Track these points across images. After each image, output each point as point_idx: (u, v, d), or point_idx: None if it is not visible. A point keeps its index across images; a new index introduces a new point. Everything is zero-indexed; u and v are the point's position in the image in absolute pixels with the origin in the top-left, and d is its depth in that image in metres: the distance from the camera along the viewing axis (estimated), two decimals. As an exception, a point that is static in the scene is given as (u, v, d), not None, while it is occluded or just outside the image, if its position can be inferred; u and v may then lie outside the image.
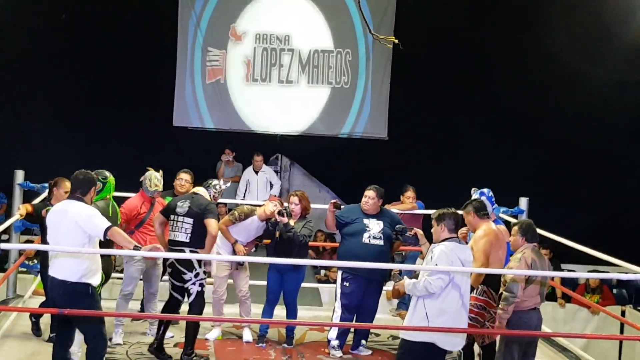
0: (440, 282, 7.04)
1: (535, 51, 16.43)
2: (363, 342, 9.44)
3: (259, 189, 15.48)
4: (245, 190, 15.38)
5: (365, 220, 9.27)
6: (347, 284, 9.25)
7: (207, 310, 9.98)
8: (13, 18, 15.82)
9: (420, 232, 8.05)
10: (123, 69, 16.24)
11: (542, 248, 13.40)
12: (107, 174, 8.66)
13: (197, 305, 8.82)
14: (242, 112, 16.94)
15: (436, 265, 7.12)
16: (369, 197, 9.33)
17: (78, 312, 7.13)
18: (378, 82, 17.00)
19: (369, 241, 9.18)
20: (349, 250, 9.23)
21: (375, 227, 9.22)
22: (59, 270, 7.16)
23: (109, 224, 7.20)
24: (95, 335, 7.32)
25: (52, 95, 16.18)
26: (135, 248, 7.24)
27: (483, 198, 8.59)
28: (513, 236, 7.85)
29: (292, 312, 9.68)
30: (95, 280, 7.27)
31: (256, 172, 15.54)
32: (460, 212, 7.89)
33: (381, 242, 9.17)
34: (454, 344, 7.29)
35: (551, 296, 13.55)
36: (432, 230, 7.39)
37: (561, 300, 13.81)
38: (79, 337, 7.61)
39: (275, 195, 15.35)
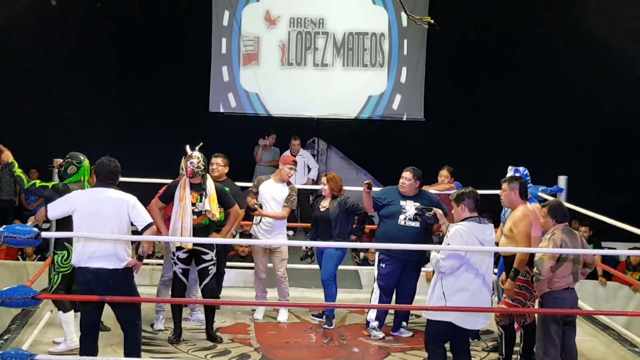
0: (450, 262, 7.05)
1: (575, 29, 16.25)
2: (404, 324, 9.45)
3: (297, 173, 15.47)
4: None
5: (402, 202, 9.27)
6: (384, 266, 9.27)
7: (240, 294, 10.11)
8: (47, 7, 15.93)
9: (440, 211, 8.04)
10: (158, 56, 16.31)
11: (581, 226, 13.37)
12: (82, 157, 8.65)
13: (212, 288, 8.99)
14: (277, 96, 16.94)
15: (448, 244, 7.13)
16: (406, 179, 9.32)
17: (119, 299, 7.18)
18: (413, 63, 16.93)
19: (405, 223, 9.18)
20: (385, 232, 9.26)
21: (411, 209, 9.21)
22: (107, 260, 7.17)
23: (151, 219, 7.30)
24: (136, 321, 7.38)
25: (87, 84, 16.27)
26: (139, 258, 7.44)
27: (523, 179, 8.56)
28: (543, 218, 7.80)
29: (327, 291, 9.72)
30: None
31: (294, 156, 15.53)
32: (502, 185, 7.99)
33: (417, 224, 9.16)
34: (474, 322, 7.29)
35: (592, 274, 13.44)
36: (453, 212, 7.38)
37: (602, 279, 13.71)
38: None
39: (312, 179, 15.44)
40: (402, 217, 9.21)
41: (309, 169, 15.74)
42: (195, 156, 8.79)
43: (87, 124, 16.15)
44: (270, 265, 10.03)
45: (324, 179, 9.89)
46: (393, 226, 9.22)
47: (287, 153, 15.53)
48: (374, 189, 9.60)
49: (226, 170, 9.82)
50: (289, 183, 9.96)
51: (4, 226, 6.83)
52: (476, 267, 7.10)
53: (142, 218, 7.27)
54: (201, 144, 8.96)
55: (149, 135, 16.06)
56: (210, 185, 8.93)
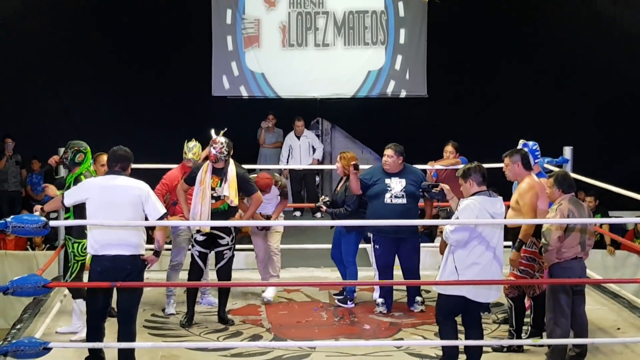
0: (459, 235, 7.05)
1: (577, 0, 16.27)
2: (417, 299, 9.47)
3: (302, 154, 15.53)
4: (289, 156, 15.44)
5: (387, 180, 9.27)
6: (377, 246, 9.31)
7: (249, 276, 10.15)
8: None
9: (446, 187, 8.01)
10: (159, 41, 16.31)
11: (587, 196, 13.38)
12: (84, 144, 8.64)
13: (227, 271, 9.02)
14: (280, 78, 16.92)
15: (457, 218, 7.14)
16: (388, 156, 9.31)
17: (130, 284, 7.20)
18: (415, 40, 16.88)
19: (391, 201, 9.19)
20: (374, 212, 9.29)
21: (397, 186, 9.22)
22: (124, 247, 7.16)
23: (164, 211, 7.29)
24: (133, 310, 7.36)
25: (88, 70, 16.30)
26: (156, 254, 7.39)
27: (525, 149, 8.56)
28: (549, 188, 7.80)
29: (348, 271, 9.74)
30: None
31: (298, 137, 15.58)
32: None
33: (404, 201, 9.16)
34: (487, 295, 7.29)
35: (600, 243, 13.48)
36: (461, 188, 7.37)
37: (610, 247, 13.73)
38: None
39: (317, 159, 15.45)
40: (387, 195, 9.22)
41: (314, 150, 15.75)
42: (218, 141, 8.83)
43: (89, 113, 16.20)
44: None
45: (338, 157, 9.85)
46: (380, 205, 9.22)
47: (292, 134, 15.55)
48: (366, 167, 9.60)
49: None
50: (276, 183, 9.83)
51: (12, 216, 6.85)
52: (487, 240, 7.10)
53: (155, 210, 7.21)
54: (225, 129, 8.99)
55: (152, 122, 16.08)
56: (231, 171, 8.94)
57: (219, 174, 8.88)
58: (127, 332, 7.29)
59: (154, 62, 16.33)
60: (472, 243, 7.09)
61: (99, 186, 7.32)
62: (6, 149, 15.68)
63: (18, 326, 8.67)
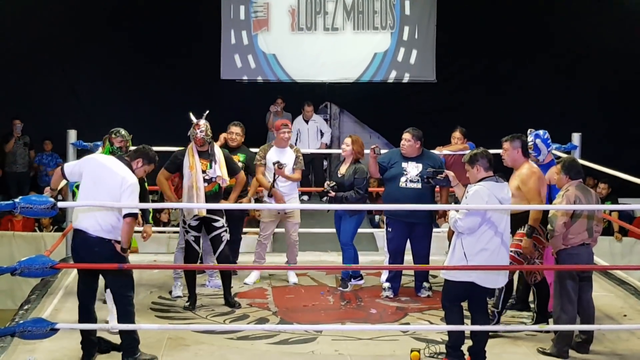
0: (468, 222, 7.03)
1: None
2: (425, 284, 9.48)
3: (310, 138, 15.53)
4: (296, 140, 15.43)
5: (404, 164, 9.26)
6: (390, 229, 9.31)
7: (247, 259, 10.16)
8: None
9: (451, 173, 7.91)
10: (169, 25, 16.33)
11: (600, 183, 13.38)
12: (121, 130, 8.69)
13: (226, 255, 9.04)
14: (288, 62, 16.92)
15: (467, 204, 7.14)
16: (406, 140, 9.31)
17: (138, 266, 7.22)
18: (424, 25, 16.87)
19: (406, 185, 9.19)
20: (389, 195, 9.31)
21: (413, 170, 9.21)
22: (93, 226, 7.10)
23: (137, 211, 7.18)
24: (127, 292, 7.33)
25: (98, 53, 16.34)
26: (122, 250, 7.22)
27: (538, 140, 8.55)
28: (557, 174, 7.79)
29: (346, 254, 9.76)
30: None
31: (306, 122, 15.57)
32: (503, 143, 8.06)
33: (419, 185, 9.14)
34: (495, 281, 7.27)
35: (608, 230, 13.47)
36: (468, 174, 7.35)
37: (618, 234, 13.73)
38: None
39: (325, 144, 15.44)
40: (403, 179, 9.22)
41: (322, 134, 15.75)
42: (202, 124, 8.84)
43: (98, 95, 16.22)
44: (277, 230, 10.07)
45: (348, 140, 9.81)
46: (395, 188, 9.23)
47: (299, 118, 15.54)
48: (384, 151, 9.60)
49: (243, 139, 9.91)
50: (291, 146, 9.94)
51: (20, 197, 6.86)
52: (496, 225, 7.09)
53: (127, 204, 7.09)
54: (207, 112, 9.00)
55: (161, 105, 16.09)
56: (218, 152, 9.03)
57: (206, 156, 8.92)
58: (122, 313, 7.29)
59: (164, 45, 16.33)
60: (481, 229, 7.07)
61: (95, 162, 7.33)
62: (15, 131, 15.73)
63: (26, 307, 8.69)
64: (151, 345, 7.58)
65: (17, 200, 6.76)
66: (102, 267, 7.17)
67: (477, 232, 7.07)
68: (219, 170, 8.90)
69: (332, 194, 9.60)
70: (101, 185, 7.13)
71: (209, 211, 8.85)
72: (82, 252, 7.20)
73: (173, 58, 16.33)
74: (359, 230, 9.95)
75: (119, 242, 7.16)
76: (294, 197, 9.94)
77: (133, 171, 7.29)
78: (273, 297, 9.43)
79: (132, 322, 7.36)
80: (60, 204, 6.96)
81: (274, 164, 9.55)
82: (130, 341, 7.27)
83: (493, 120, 15.32)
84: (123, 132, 8.62)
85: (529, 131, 8.76)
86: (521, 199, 7.91)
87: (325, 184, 9.80)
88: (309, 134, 15.52)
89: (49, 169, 15.55)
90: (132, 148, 8.35)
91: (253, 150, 9.99)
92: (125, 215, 7.06)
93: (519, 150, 8.07)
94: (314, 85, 16.84)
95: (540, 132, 8.69)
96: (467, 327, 7.35)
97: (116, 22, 16.40)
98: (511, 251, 7.82)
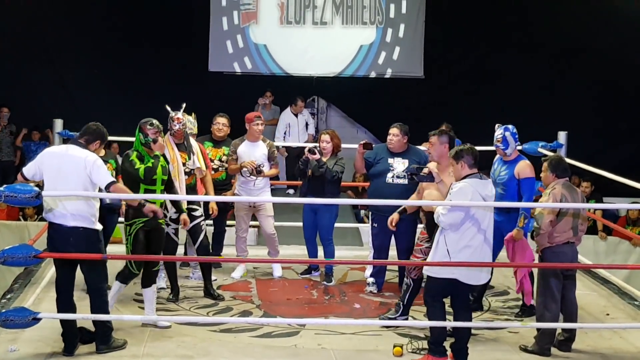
0: (451, 218, 7.03)
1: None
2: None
3: (300, 131, 15.47)
4: (285, 133, 15.39)
5: (390, 160, 9.24)
6: (375, 225, 9.31)
7: (231, 251, 10.14)
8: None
9: (435, 169, 7.89)
10: (157, 16, 16.26)
11: (583, 181, 13.41)
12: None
13: (205, 245, 9.05)
14: (277, 55, 16.88)
15: (451, 200, 7.13)
16: (394, 135, 9.28)
17: (121, 257, 7.20)
18: (413, 20, 16.84)
19: (392, 181, 9.18)
20: (375, 191, 9.30)
21: (399, 166, 9.20)
22: (66, 217, 7.08)
23: (113, 178, 7.17)
24: (101, 284, 7.32)
25: (86, 43, 16.25)
26: (140, 205, 7.29)
27: (507, 134, 8.58)
28: (543, 172, 7.81)
29: (328, 249, 9.77)
30: (99, 226, 7.28)
31: (296, 115, 15.54)
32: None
33: (405, 181, 9.10)
34: (478, 278, 7.25)
35: (592, 229, 13.50)
36: (452, 170, 7.35)
37: (602, 233, 13.76)
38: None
39: (312, 135, 15.42)
40: (389, 175, 9.21)
41: (307, 126, 15.70)
42: (180, 117, 8.84)
43: (86, 85, 16.17)
44: (253, 223, 10.05)
45: (325, 137, 9.79)
46: (381, 184, 9.22)
47: (288, 111, 15.50)
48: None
49: (229, 130, 9.90)
50: (264, 140, 9.92)
51: (5, 185, 6.84)
52: (479, 222, 7.10)
53: (102, 177, 7.09)
54: (184, 105, 8.99)
55: (148, 96, 16.01)
56: (194, 143, 9.13)
57: (184, 148, 8.97)
58: (97, 305, 7.28)
59: (152, 36, 16.27)
60: (464, 225, 7.08)
61: (51, 154, 7.30)
62: (1, 119, 15.65)
63: (8, 296, 8.68)
64: (134, 336, 7.60)
65: (1, 188, 6.75)
66: (85, 257, 7.14)
67: (460, 229, 7.07)
68: (198, 162, 8.93)
69: (317, 155, 9.53)
70: (65, 172, 7.10)
71: (189, 202, 8.87)
72: (57, 243, 7.18)
73: (161, 49, 16.25)
74: (345, 225, 9.97)
75: (95, 230, 7.16)
76: (265, 191, 9.86)
77: (89, 150, 7.24)
78: (257, 290, 9.43)
79: (107, 312, 7.37)
80: (44, 193, 6.95)
81: (250, 174, 9.50)
82: (104, 329, 7.31)
83: (480, 117, 15.30)
84: (155, 122, 8.12)
85: (496, 126, 8.79)
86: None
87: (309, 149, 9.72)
88: (299, 127, 15.47)
89: (34, 156, 15.45)
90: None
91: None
92: (107, 187, 7.07)
93: (446, 145, 8.03)
94: (302, 79, 16.81)
95: (510, 126, 8.71)
96: (450, 323, 7.35)
97: (105, 13, 16.32)
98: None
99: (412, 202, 8.39)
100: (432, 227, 7.64)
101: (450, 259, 7.10)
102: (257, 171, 9.51)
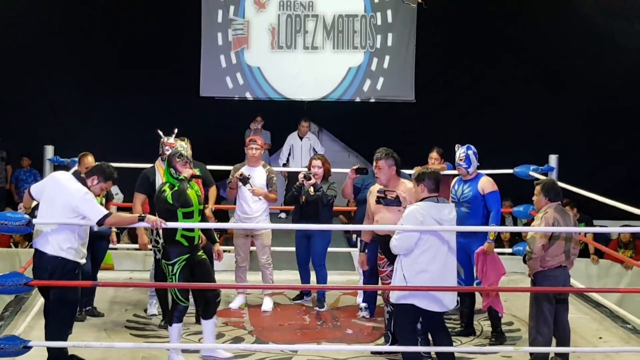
0: (402, 242, 7.00)
1: (564, 8, 16.36)
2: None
3: (303, 155, 15.44)
4: (289, 155, 15.39)
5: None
6: (367, 250, 9.28)
7: (232, 277, 10.08)
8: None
9: (402, 194, 7.80)
10: (149, 42, 16.28)
11: (567, 206, 13.39)
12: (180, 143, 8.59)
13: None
14: (268, 80, 16.92)
15: (402, 225, 7.09)
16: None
17: (112, 284, 7.17)
18: (404, 44, 16.90)
19: None
20: (363, 216, 9.24)
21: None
22: (47, 244, 7.11)
23: (105, 212, 7.13)
24: (60, 308, 7.26)
25: (77, 69, 16.25)
26: (140, 219, 7.26)
27: (470, 152, 8.71)
28: (536, 196, 7.81)
29: (320, 274, 9.75)
30: (81, 260, 7.28)
31: (300, 138, 15.54)
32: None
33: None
34: (441, 304, 7.11)
35: (584, 252, 13.50)
36: (413, 191, 7.34)
37: (594, 256, 13.76)
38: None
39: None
40: None
41: (315, 152, 15.67)
42: (174, 142, 8.78)
43: (77, 111, 16.16)
44: (252, 249, 10.03)
45: (317, 162, 9.77)
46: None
47: (294, 134, 15.52)
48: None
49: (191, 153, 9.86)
50: (264, 165, 9.90)
51: (-4, 213, 6.83)
52: (435, 247, 7.04)
53: (92, 212, 7.07)
54: (176, 130, 8.97)
55: (139, 121, 16.02)
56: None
57: None
58: (48, 332, 7.26)
59: (144, 61, 16.27)
60: (418, 250, 7.02)
61: (53, 179, 7.34)
62: (-9, 146, 15.64)
63: (-1, 323, 8.65)
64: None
65: (-8, 216, 6.74)
66: (80, 284, 7.15)
67: (413, 253, 7.02)
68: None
69: (313, 180, 9.50)
70: (54, 201, 7.14)
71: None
72: (38, 270, 7.21)
73: (153, 75, 16.25)
74: (337, 249, 9.94)
75: (77, 263, 7.17)
76: (263, 219, 9.78)
77: (89, 188, 7.24)
78: (249, 316, 9.41)
79: (64, 339, 7.28)
80: (35, 221, 6.94)
81: (238, 178, 9.46)
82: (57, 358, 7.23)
83: (471, 142, 15.31)
84: (184, 153, 7.89)
85: (456, 146, 8.86)
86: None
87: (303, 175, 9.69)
88: (302, 150, 15.45)
89: (26, 185, 15.41)
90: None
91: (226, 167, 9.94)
92: (100, 222, 7.04)
93: (394, 167, 8.05)
94: (293, 103, 16.83)
95: (471, 145, 8.82)
96: (438, 348, 7.30)
97: (95, 37, 16.35)
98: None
99: (384, 227, 8.34)
100: (387, 251, 7.54)
101: (406, 283, 7.04)
102: (243, 180, 9.45)
